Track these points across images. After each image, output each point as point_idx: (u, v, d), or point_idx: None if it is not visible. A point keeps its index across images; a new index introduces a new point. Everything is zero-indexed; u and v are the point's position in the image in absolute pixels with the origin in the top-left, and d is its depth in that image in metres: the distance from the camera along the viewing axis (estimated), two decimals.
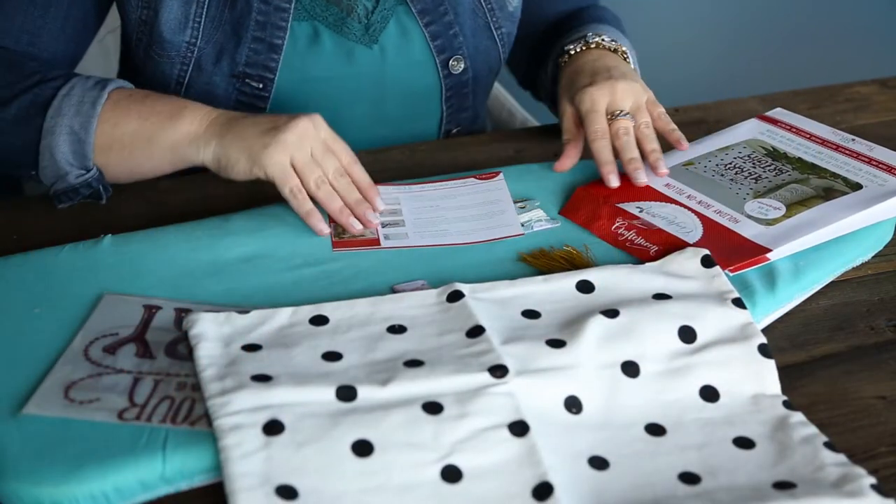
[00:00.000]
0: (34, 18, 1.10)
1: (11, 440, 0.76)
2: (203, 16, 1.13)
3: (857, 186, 1.04)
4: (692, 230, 1.01)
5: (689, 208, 1.04)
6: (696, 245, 0.98)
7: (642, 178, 1.07)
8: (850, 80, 1.45)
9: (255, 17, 1.14)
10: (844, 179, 1.05)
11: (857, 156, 1.09)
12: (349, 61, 1.19)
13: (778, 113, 1.19)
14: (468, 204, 1.06)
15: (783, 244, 0.97)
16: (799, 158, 1.10)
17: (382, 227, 1.02)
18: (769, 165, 1.09)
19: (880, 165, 1.07)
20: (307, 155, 0.99)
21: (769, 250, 0.96)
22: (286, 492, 0.72)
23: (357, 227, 1.00)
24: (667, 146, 1.13)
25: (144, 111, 1.04)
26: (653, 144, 1.09)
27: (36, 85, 1.04)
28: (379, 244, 0.99)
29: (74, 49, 1.15)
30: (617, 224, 1.03)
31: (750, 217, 1.01)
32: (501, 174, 1.10)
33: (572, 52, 1.19)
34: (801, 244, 0.98)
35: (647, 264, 0.96)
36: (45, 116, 1.02)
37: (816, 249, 0.99)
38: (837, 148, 1.11)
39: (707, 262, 0.95)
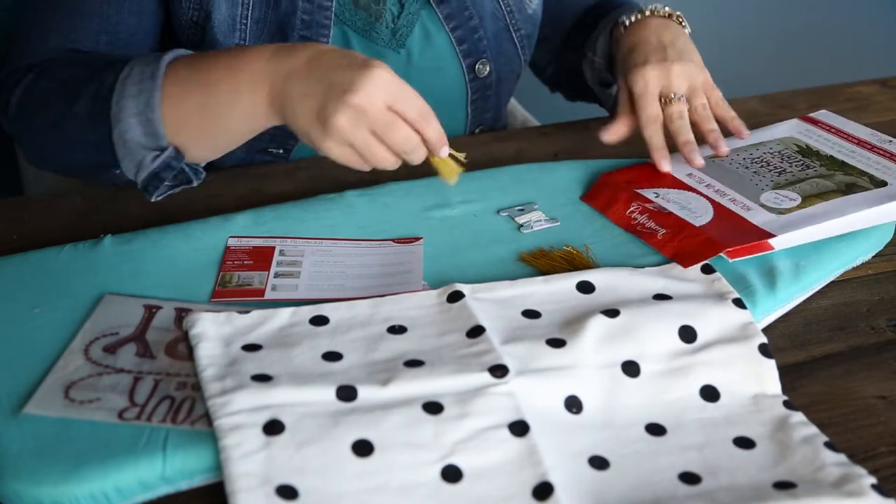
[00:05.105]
0: (109, 17, 1.07)
1: (11, 440, 0.76)
2: (248, 17, 1.13)
3: (882, 184, 1.04)
4: (702, 215, 1.01)
5: (705, 195, 1.04)
6: (703, 228, 0.99)
7: (698, 159, 1.07)
8: (851, 80, 1.45)
9: (301, 17, 1.14)
10: (871, 177, 1.05)
11: (890, 156, 1.08)
12: None
13: (822, 114, 1.19)
14: (374, 263, 0.97)
15: (789, 231, 0.97)
16: (830, 156, 1.10)
17: (274, 276, 0.94)
18: (798, 161, 1.09)
19: None
20: (365, 138, 0.87)
21: (773, 236, 0.96)
22: (286, 492, 0.72)
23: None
24: (698, 141, 1.12)
25: (205, 82, 0.94)
26: (711, 125, 1.09)
27: (100, 73, 0.98)
28: (263, 295, 0.92)
29: (153, 44, 1.13)
30: (631, 208, 1.04)
31: (763, 206, 1.01)
32: (422, 240, 1.01)
33: (627, 24, 1.16)
34: (808, 234, 0.98)
35: (648, 268, 0.96)
36: (111, 103, 0.96)
37: (817, 250, 0.99)
38: (872, 148, 1.11)
39: (707, 269, 0.95)
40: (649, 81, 1.08)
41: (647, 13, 1.17)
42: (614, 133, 1.13)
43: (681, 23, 1.17)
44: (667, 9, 1.17)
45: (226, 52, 0.96)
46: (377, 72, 0.86)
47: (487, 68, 1.23)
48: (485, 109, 1.28)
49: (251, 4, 1.12)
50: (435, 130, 0.90)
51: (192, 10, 1.11)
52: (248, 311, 0.88)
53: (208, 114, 0.94)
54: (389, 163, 0.90)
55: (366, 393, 0.79)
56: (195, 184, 1.01)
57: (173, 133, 0.96)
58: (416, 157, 0.91)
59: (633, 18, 1.17)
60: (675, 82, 1.08)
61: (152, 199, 1.00)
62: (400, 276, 0.95)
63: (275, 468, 0.73)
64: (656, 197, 1.05)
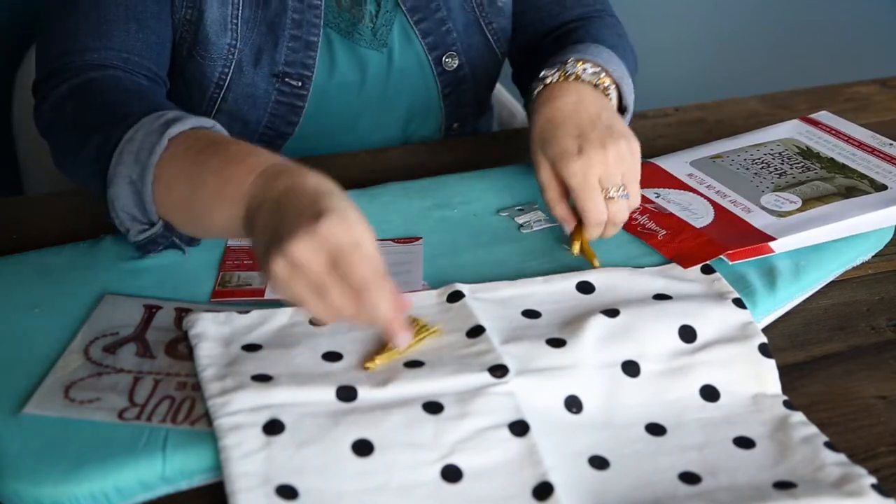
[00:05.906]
0: (134, 5, 1.06)
1: (11, 440, 0.76)
2: (238, 17, 1.13)
3: (882, 188, 1.04)
4: (703, 216, 1.01)
5: (706, 196, 1.05)
6: (703, 230, 0.99)
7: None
8: (850, 80, 1.45)
9: (291, 16, 1.14)
10: (871, 180, 1.05)
11: (890, 159, 1.08)
12: (362, 66, 1.19)
13: (822, 116, 1.19)
14: None
15: (789, 235, 0.97)
16: (830, 158, 1.10)
17: None
18: (798, 163, 1.10)
19: None
20: (300, 293, 0.76)
21: (773, 239, 0.96)
22: (286, 492, 0.72)
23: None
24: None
25: (194, 177, 0.87)
26: (617, 229, 0.99)
27: (112, 124, 0.93)
28: (263, 295, 0.91)
29: (167, 52, 1.12)
30: None
31: (764, 209, 1.02)
32: (422, 240, 1.00)
33: (548, 81, 1.04)
34: (808, 237, 0.98)
35: (648, 268, 0.96)
36: (110, 164, 0.91)
37: (816, 249, 0.99)
38: (873, 151, 1.11)
39: (707, 269, 0.95)
40: (588, 174, 0.96)
41: (571, 76, 1.03)
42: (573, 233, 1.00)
43: (607, 94, 1.04)
44: (596, 75, 1.04)
45: (222, 152, 0.87)
46: (324, 226, 0.74)
47: (456, 62, 1.23)
48: (460, 105, 1.27)
49: (241, 4, 1.12)
50: (373, 305, 0.75)
51: (186, 7, 1.11)
52: (248, 311, 0.88)
53: (192, 208, 0.88)
54: (326, 320, 0.78)
55: (366, 393, 0.79)
56: (185, 253, 0.97)
57: (162, 213, 0.91)
58: (359, 322, 0.78)
59: (555, 76, 1.04)
60: (614, 169, 0.96)
61: (144, 257, 0.96)
62: (400, 276, 0.95)
63: (275, 468, 0.73)
64: (657, 197, 1.05)
